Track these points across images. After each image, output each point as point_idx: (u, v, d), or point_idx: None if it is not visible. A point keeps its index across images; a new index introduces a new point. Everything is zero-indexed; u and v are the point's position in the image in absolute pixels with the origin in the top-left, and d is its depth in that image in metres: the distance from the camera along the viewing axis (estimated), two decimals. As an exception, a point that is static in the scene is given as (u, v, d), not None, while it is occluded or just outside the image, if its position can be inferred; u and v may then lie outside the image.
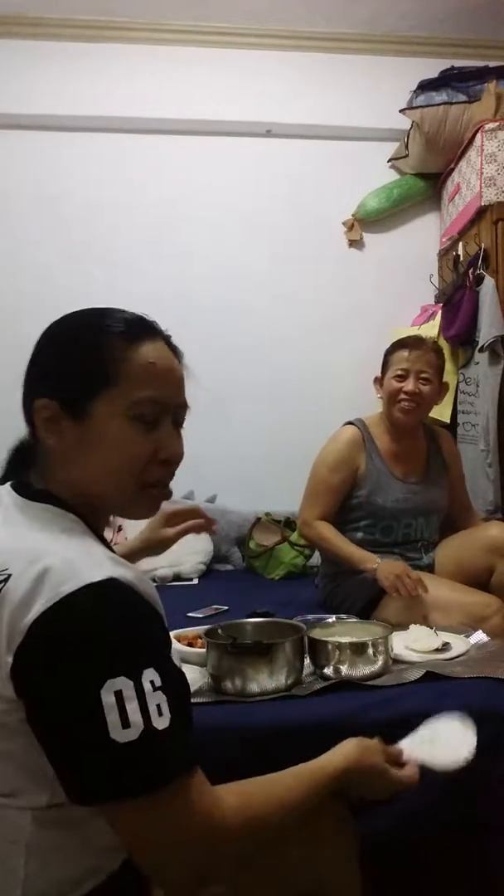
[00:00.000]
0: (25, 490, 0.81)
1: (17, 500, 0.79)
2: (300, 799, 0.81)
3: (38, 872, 0.71)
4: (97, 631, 0.66)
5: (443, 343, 2.76)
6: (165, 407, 0.83)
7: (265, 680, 1.29)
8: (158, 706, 0.67)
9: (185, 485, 2.99)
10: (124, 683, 0.65)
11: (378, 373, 2.12)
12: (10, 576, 0.69)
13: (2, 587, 0.68)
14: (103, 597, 0.67)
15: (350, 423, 2.12)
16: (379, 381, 2.11)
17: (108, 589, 0.68)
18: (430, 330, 2.85)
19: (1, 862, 0.71)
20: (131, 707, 0.65)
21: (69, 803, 0.68)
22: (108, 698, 0.64)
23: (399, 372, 2.01)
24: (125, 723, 0.64)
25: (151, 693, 0.67)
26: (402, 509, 2.01)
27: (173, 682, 0.70)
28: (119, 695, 0.64)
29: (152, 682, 0.67)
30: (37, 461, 0.84)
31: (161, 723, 0.67)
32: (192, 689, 1.29)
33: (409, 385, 1.99)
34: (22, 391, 0.85)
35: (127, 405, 0.80)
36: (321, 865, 0.94)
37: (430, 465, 2.11)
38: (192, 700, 1.25)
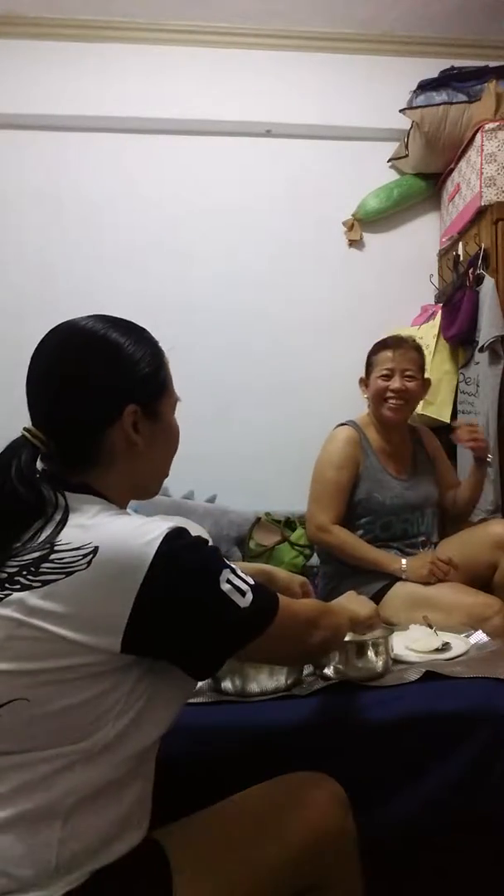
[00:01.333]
0: (63, 485, 0.92)
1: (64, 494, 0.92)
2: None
3: (71, 839, 0.81)
4: (193, 551, 0.87)
5: (443, 343, 2.77)
6: None
7: (265, 680, 1.29)
8: (245, 573, 0.91)
9: (186, 485, 2.99)
10: (226, 573, 0.88)
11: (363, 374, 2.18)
12: (97, 548, 0.83)
13: (93, 558, 0.82)
14: (179, 534, 0.87)
15: (343, 424, 2.14)
16: (364, 383, 2.15)
17: (177, 530, 0.88)
18: (431, 330, 2.85)
19: (39, 832, 0.80)
20: (237, 583, 0.88)
21: (115, 748, 0.84)
22: (225, 586, 0.87)
23: (384, 371, 2.06)
24: (241, 592, 0.88)
25: (237, 568, 0.90)
26: (400, 505, 2.03)
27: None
28: (229, 581, 0.87)
29: (233, 564, 0.92)
30: (91, 461, 0.95)
31: (251, 578, 0.91)
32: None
33: (396, 383, 2.04)
34: (67, 397, 0.94)
35: (172, 405, 1.03)
36: (325, 858, 0.96)
37: (417, 461, 2.15)
38: (192, 700, 1.27)
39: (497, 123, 2.57)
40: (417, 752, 1.23)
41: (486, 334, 2.46)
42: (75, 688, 0.81)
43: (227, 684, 1.31)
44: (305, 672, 1.38)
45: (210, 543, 0.94)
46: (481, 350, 2.49)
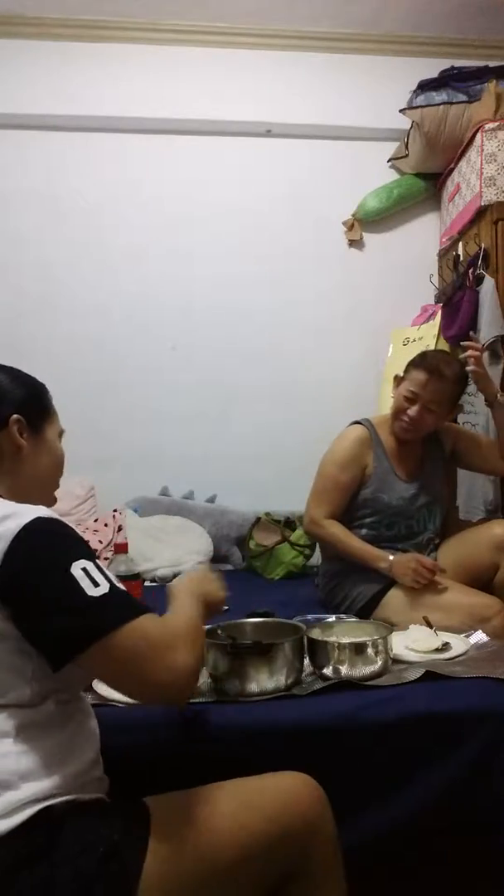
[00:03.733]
0: None
1: None
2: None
3: (23, 750, 0.90)
4: (55, 534, 0.94)
5: (443, 343, 2.76)
6: None
7: (265, 680, 1.29)
8: (114, 577, 0.93)
9: (186, 485, 2.99)
10: (85, 563, 0.91)
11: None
12: None
13: None
14: (49, 519, 0.95)
15: (357, 422, 2.12)
16: (397, 382, 2.07)
17: (49, 513, 0.96)
18: (430, 330, 2.85)
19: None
20: (95, 575, 0.91)
21: (49, 698, 0.93)
22: (77, 572, 0.90)
23: (410, 394, 1.97)
24: (95, 584, 0.90)
25: (105, 569, 0.93)
26: (405, 507, 2.03)
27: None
28: (84, 569, 0.90)
29: (102, 565, 0.93)
30: None
31: (120, 586, 0.93)
32: (192, 688, 1.30)
33: (414, 412, 1.97)
34: None
35: (56, 433, 1.15)
36: (306, 844, 0.99)
37: (427, 462, 2.12)
38: (193, 700, 1.27)
39: (497, 123, 2.57)
40: (417, 752, 1.23)
41: (486, 334, 2.46)
42: None
43: (227, 684, 1.31)
44: (305, 672, 1.38)
45: (82, 539, 0.97)
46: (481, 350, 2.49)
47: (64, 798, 0.90)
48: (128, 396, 3.04)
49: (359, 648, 1.35)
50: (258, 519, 2.85)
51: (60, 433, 1.18)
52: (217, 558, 2.84)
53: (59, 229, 3.04)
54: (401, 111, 2.93)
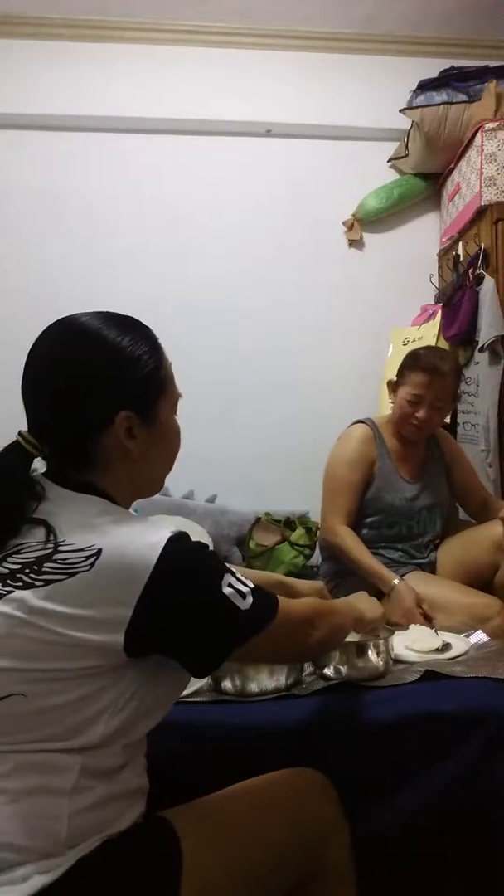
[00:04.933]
0: (66, 482, 0.93)
1: (64, 493, 0.92)
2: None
3: (79, 814, 0.83)
4: (195, 554, 0.90)
5: (443, 343, 2.76)
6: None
7: (265, 680, 1.29)
8: (243, 577, 0.93)
9: (186, 485, 2.99)
10: (227, 577, 0.90)
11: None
12: (100, 550, 0.84)
13: (96, 560, 0.83)
14: (181, 538, 0.89)
15: (360, 421, 2.12)
16: (392, 388, 2.07)
17: (179, 534, 0.89)
18: (430, 330, 2.85)
19: (46, 808, 0.82)
20: (238, 586, 0.90)
21: (112, 741, 0.86)
22: (227, 589, 0.89)
23: (414, 397, 1.98)
24: (242, 596, 0.90)
25: (237, 572, 0.92)
26: (407, 507, 2.03)
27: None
28: (230, 584, 0.89)
29: (234, 568, 0.93)
30: (90, 462, 0.94)
31: (249, 583, 0.93)
32: (192, 689, 1.30)
33: (422, 413, 1.97)
34: (57, 400, 0.93)
35: (172, 405, 1.01)
36: (326, 846, 0.99)
37: (429, 464, 2.12)
38: (193, 699, 1.27)
39: (497, 123, 2.57)
40: (417, 752, 1.23)
41: (486, 334, 2.46)
42: (72, 685, 0.83)
43: (227, 684, 1.31)
44: (305, 672, 1.38)
45: (210, 548, 0.95)
46: (481, 350, 2.49)
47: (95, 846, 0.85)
48: (128, 396, 3.03)
49: (359, 648, 1.35)
50: (258, 519, 2.84)
51: (176, 400, 1.02)
52: (217, 558, 2.84)
53: (59, 229, 3.04)
54: (401, 111, 2.92)
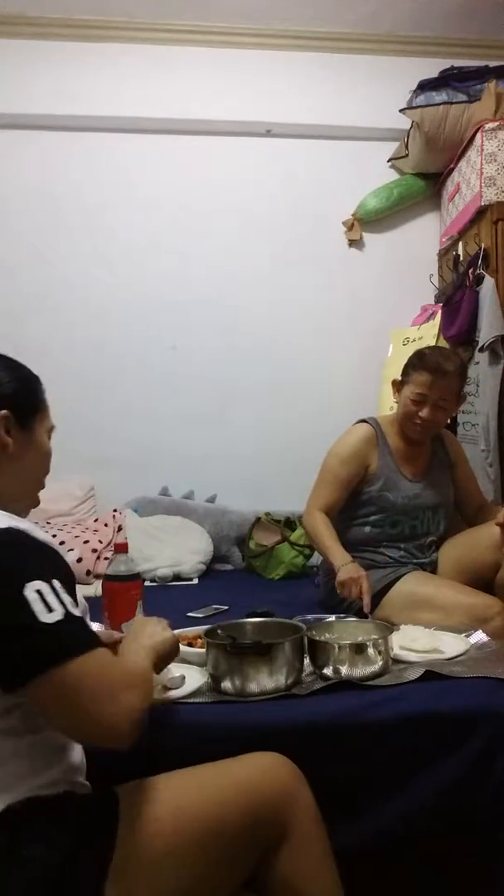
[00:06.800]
0: None
1: None
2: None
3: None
4: (12, 549, 0.88)
5: (443, 343, 2.76)
6: None
7: (265, 680, 1.29)
8: (70, 602, 0.88)
9: (186, 485, 2.99)
10: (40, 585, 0.86)
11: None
12: None
13: None
14: (8, 530, 0.90)
15: (364, 420, 2.12)
16: (397, 387, 2.08)
17: (11, 523, 0.92)
18: (430, 330, 2.85)
19: None
20: (50, 599, 0.85)
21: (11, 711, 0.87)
22: (30, 594, 0.84)
23: (418, 396, 1.98)
24: (49, 609, 0.85)
25: (62, 592, 0.87)
26: (410, 506, 2.03)
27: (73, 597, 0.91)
28: (38, 592, 0.85)
29: (60, 587, 0.88)
30: None
31: (76, 611, 0.88)
32: (192, 689, 1.30)
33: (426, 412, 1.97)
34: None
35: (47, 429, 1.10)
36: (289, 812, 1.02)
37: (433, 463, 2.12)
38: (192, 700, 1.27)
39: (497, 123, 2.57)
40: (417, 752, 1.24)
41: (486, 334, 2.46)
42: None
43: (226, 684, 1.31)
44: (305, 672, 1.38)
45: (51, 552, 0.93)
46: (481, 350, 2.49)
47: (21, 798, 0.88)
48: (127, 396, 3.04)
49: (359, 648, 1.35)
50: (258, 519, 2.85)
51: (50, 430, 1.12)
52: (217, 558, 2.84)
53: (59, 229, 3.04)
54: (401, 111, 2.92)
